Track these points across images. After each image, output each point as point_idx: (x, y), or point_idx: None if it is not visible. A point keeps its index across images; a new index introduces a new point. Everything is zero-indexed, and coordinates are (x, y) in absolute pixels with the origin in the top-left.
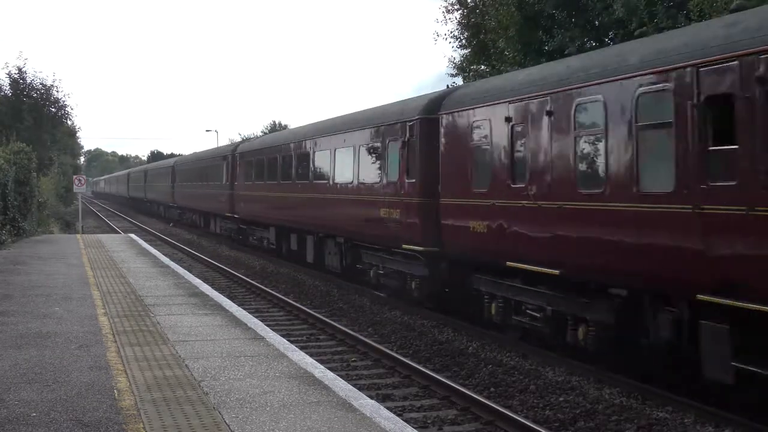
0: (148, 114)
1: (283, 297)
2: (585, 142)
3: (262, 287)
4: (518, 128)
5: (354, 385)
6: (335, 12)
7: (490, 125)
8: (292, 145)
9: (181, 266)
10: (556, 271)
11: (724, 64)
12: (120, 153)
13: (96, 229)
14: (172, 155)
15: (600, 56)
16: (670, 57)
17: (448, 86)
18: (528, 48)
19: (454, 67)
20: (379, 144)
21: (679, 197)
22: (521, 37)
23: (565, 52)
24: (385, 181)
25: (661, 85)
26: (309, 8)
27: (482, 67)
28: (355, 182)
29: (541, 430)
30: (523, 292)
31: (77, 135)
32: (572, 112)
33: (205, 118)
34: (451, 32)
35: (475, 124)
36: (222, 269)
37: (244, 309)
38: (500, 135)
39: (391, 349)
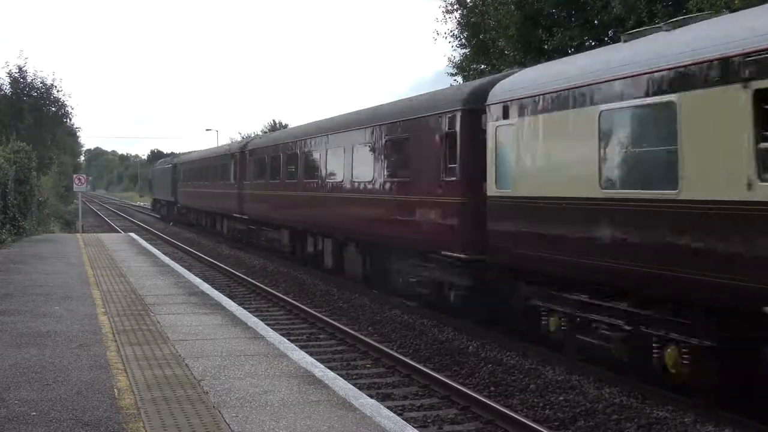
0: (148, 113)
1: (283, 296)
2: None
3: (262, 286)
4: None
5: (354, 385)
6: (335, 11)
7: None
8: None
9: (181, 265)
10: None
11: None
12: (120, 152)
13: (96, 228)
14: (171, 154)
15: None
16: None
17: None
18: (528, 47)
19: (453, 67)
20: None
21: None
22: (521, 36)
23: None
24: (228, 182)
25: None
26: (309, 8)
27: (482, 66)
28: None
29: (541, 429)
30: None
31: (77, 134)
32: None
33: (205, 118)
34: (451, 31)
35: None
36: (222, 268)
37: (244, 308)
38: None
39: (392, 349)
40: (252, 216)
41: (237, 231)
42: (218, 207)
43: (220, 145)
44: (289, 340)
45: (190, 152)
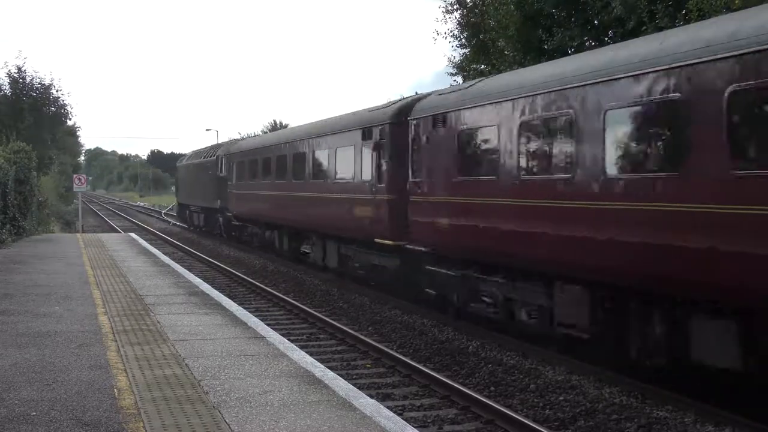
0: (148, 113)
1: (283, 296)
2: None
3: (262, 286)
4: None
5: (354, 385)
6: (335, 11)
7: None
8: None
9: (181, 265)
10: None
11: None
12: (120, 152)
13: (96, 228)
14: (172, 154)
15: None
16: None
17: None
18: (528, 47)
19: (453, 66)
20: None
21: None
22: (521, 36)
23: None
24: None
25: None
26: (309, 8)
27: (482, 66)
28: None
29: (541, 429)
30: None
31: (77, 134)
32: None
33: (205, 118)
34: (451, 31)
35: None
36: (222, 268)
37: (244, 308)
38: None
39: (392, 348)
40: (441, 247)
41: (366, 268)
42: (322, 223)
43: (314, 120)
44: (289, 340)
45: (245, 138)
